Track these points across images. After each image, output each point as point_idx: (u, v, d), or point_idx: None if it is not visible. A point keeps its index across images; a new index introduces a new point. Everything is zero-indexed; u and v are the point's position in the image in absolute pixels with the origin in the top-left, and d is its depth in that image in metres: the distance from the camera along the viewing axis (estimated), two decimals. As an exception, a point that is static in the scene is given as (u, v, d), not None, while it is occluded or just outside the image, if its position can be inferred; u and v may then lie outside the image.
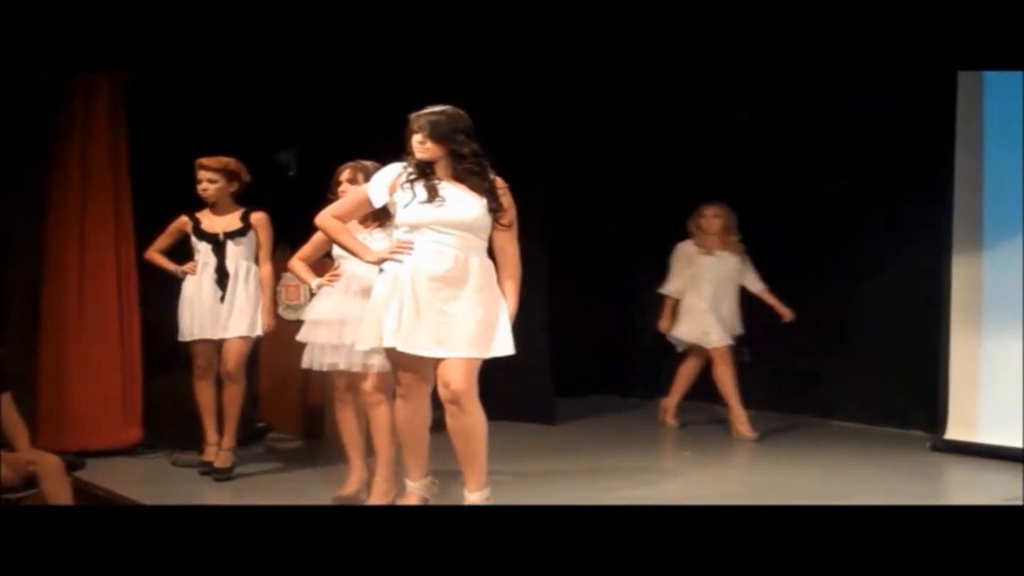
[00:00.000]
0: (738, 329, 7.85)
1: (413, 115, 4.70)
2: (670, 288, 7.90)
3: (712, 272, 7.75)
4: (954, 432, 7.21)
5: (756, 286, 7.86)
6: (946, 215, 7.29)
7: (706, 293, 7.71)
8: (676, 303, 7.87)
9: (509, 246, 4.80)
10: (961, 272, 7.23)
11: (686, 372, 8.04)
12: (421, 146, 4.64)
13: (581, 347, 8.92)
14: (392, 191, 4.71)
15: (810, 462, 6.90)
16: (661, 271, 9.35)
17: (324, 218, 4.90)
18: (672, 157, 9.03)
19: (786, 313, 7.75)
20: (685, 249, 7.87)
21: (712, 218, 7.77)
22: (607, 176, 9.15)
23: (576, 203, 8.86)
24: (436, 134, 4.63)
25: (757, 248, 8.35)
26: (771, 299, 7.82)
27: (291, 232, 6.12)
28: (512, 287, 4.78)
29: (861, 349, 8.21)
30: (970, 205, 7.21)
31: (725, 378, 7.75)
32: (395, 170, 4.74)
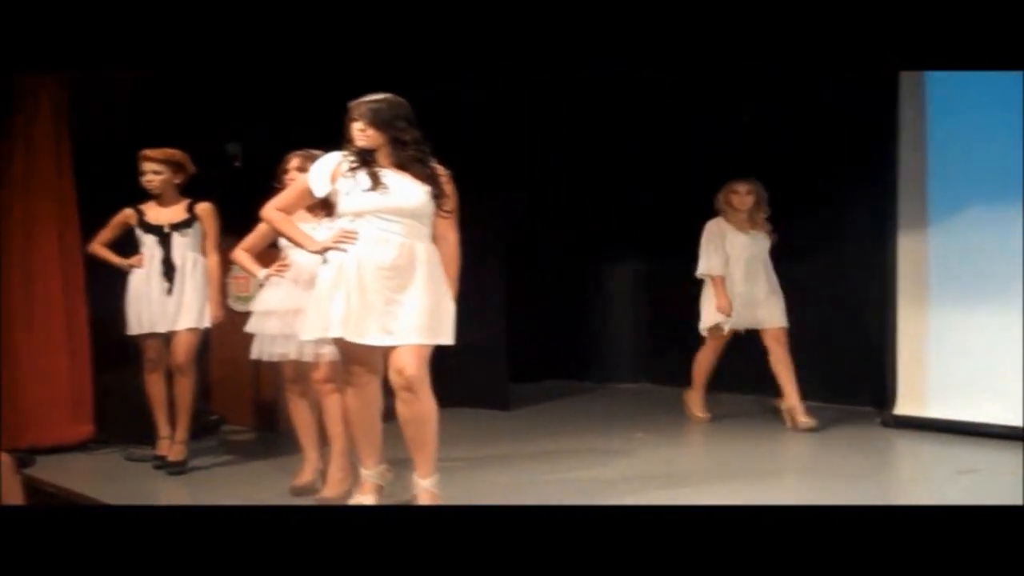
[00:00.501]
0: (780, 313, 7.42)
1: (353, 103, 4.68)
2: (712, 266, 7.37)
3: (745, 252, 7.36)
4: (903, 407, 7.29)
5: None
6: (891, 195, 7.38)
7: (738, 275, 7.34)
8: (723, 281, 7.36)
9: (450, 233, 4.80)
10: (907, 250, 7.32)
11: (706, 360, 7.60)
12: (362, 134, 4.63)
13: (536, 332, 8.93)
14: (333, 180, 4.69)
15: (762, 440, 6.96)
16: (614, 257, 9.48)
17: (268, 210, 4.89)
18: (626, 148, 9.09)
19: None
20: (719, 226, 7.42)
21: (745, 195, 7.37)
22: (565, 165, 9.17)
23: (532, 190, 8.87)
24: (377, 121, 4.62)
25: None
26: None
27: (240, 222, 6.08)
28: (452, 274, 4.79)
29: (811, 327, 8.28)
30: (914, 185, 7.30)
31: (779, 363, 7.39)
32: (335, 159, 4.72)
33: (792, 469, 6.01)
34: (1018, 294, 6.72)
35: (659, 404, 8.33)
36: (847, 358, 7.99)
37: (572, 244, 9.32)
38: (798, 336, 8.30)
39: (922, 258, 7.27)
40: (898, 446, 6.91)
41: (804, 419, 7.17)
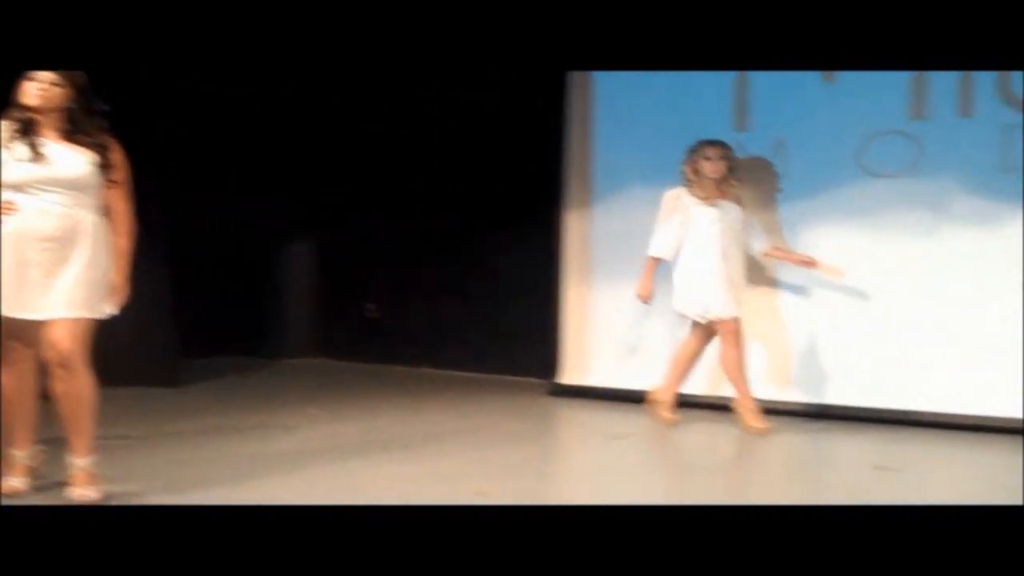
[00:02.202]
0: (734, 303, 6.49)
1: (31, 72, 4.45)
2: (662, 247, 6.48)
3: (716, 225, 6.43)
4: (569, 377, 7.63)
5: (759, 244, 6.69)
6: (560, 177, 7.69)
7: (711, 253, 6.41)
8: (657, 264, 6.54)
9: (120, 204, 4.63)
10: (573, 229, 7.67)
11: (686, 355, 6.59)
12: (43, 93, 4.42)
13: (206, 308, 8.72)
14: (-10, 149, 4.43)
15: (435, 411, 7.09)
16: (285, 230, 9.41)
17: None
18: (302, 125, 9.06)
19: (810, 261, 6.70)
20: (680, 199, 6.50)
21: (717, 161, 6.44)
22: (238, 138, 9.00)
23: (200, 162, 8.67)
24: (60, 82, 4.43)
25: (381, 212, 8.52)
26: (782, 254, 6.77)
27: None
28: (124, 245, 4.62)
29: (480, 304, 8.52)
30: (580, 170, 7.68)
31: (731, 359, 6.44)
32: None
33: (458, 438, 6.12)
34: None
35: (331, 378, 8.34)
36: (517, 332, 8.25)
37: (242, 217, 9.16)
38: (470, 313, 8.54)
39: (587, 237, 7.62)
40: (561, 414, 7.22)
41: (757, 423, 6.37)
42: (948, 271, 6.56)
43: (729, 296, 6.42)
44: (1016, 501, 4.62)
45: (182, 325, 7.88)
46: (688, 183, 6.52)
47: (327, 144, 9.13)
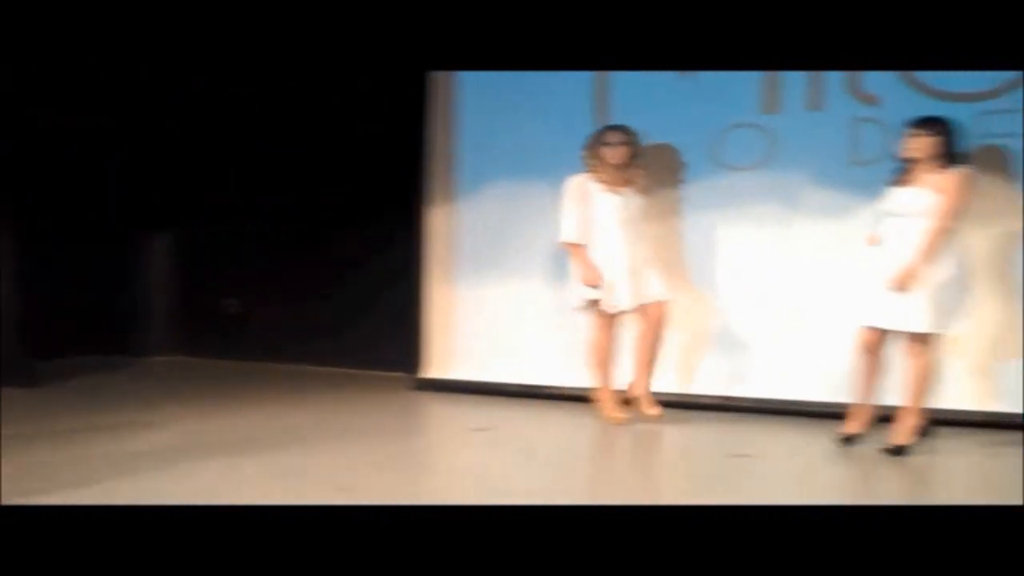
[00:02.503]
0: (660, 288, 6.39)
1: None
2: (573, 232, 6.30)
3: (620, 214, 6.31)
4: (433, 371, 7.66)
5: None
6: (423, 172, 7.71)
7: (615, 243, 6.30)
8: (583, 250, 6.32)
9: None
10: (436, 224, 7.71)
11: (599, 344, 6.42)
12: None
13: (63, 306, 8.52)
14: None
15: (298, 407, 7.02)
16: (145, 226, 9.25)
17: None
18: (165, 119, 8.91)
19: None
20: (582, 185, 6.33)
21: (618, 146, 6.31)
22: (94, 131, 8.81)
23: (53, 152, 8.48)
24: None
25: (242, 206, 8.44)
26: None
27: None
28: None
29: (345, 299, 8.51)
30: (444, 166, 7.73)
31: (647, 342, 6.38)
32: None
33: (321, 434, 6.09)
34: (534, 263, 7.22)
35: (194, 376, 8.22)
36: (381, 327, 8.26)
37: (98, 210, 8.97)
38: (336, 309, 8.52)
39: (450, 232, 7.67)
40: (426, 408, 7.23)
41: (651, 410, 6.37)
42: (800, 261, 6.76)
43: (637, 286, 6.30)
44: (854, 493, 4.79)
45: (38, 323, 7.70)
46: (591, 169, 6.38)
47: (185, 136, 9.00)
